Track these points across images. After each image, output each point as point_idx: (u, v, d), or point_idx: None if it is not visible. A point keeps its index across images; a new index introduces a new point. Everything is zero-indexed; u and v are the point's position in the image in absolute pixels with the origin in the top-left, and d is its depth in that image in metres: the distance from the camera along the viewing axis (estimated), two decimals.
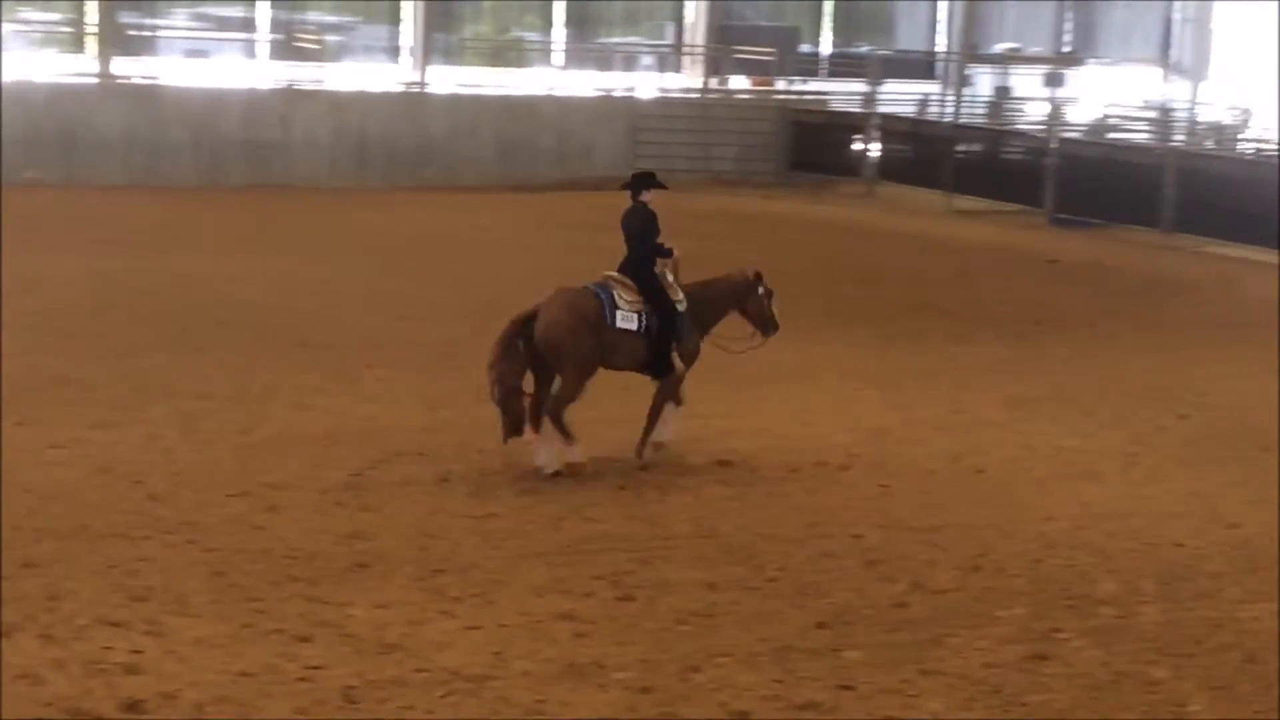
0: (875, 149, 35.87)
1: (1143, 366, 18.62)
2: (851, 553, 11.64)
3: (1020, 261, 26.87)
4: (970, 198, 32.46)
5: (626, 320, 13.54)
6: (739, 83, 41.72)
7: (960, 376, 17.64)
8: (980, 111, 43.22)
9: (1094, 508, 13.02)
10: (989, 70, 46.31)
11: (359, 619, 9.93)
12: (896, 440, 14.89)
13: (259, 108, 33.16)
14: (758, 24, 43.99)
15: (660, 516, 12.35)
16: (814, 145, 36.63)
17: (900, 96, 40.39)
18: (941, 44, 46.08)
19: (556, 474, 13.21)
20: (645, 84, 40.34)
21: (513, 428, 13.24)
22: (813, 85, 42.01)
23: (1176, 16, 48.63)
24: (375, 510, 12.19)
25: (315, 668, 9.18)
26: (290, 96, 33.82)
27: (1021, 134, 37.59)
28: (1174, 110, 44.44)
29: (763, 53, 40.80)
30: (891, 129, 36.40)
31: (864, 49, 44.53)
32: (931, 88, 43.95)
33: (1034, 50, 47.61)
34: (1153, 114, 43.35)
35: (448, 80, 37.21)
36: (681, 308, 13.76)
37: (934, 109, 42.13)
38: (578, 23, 41.41)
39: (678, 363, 13.75)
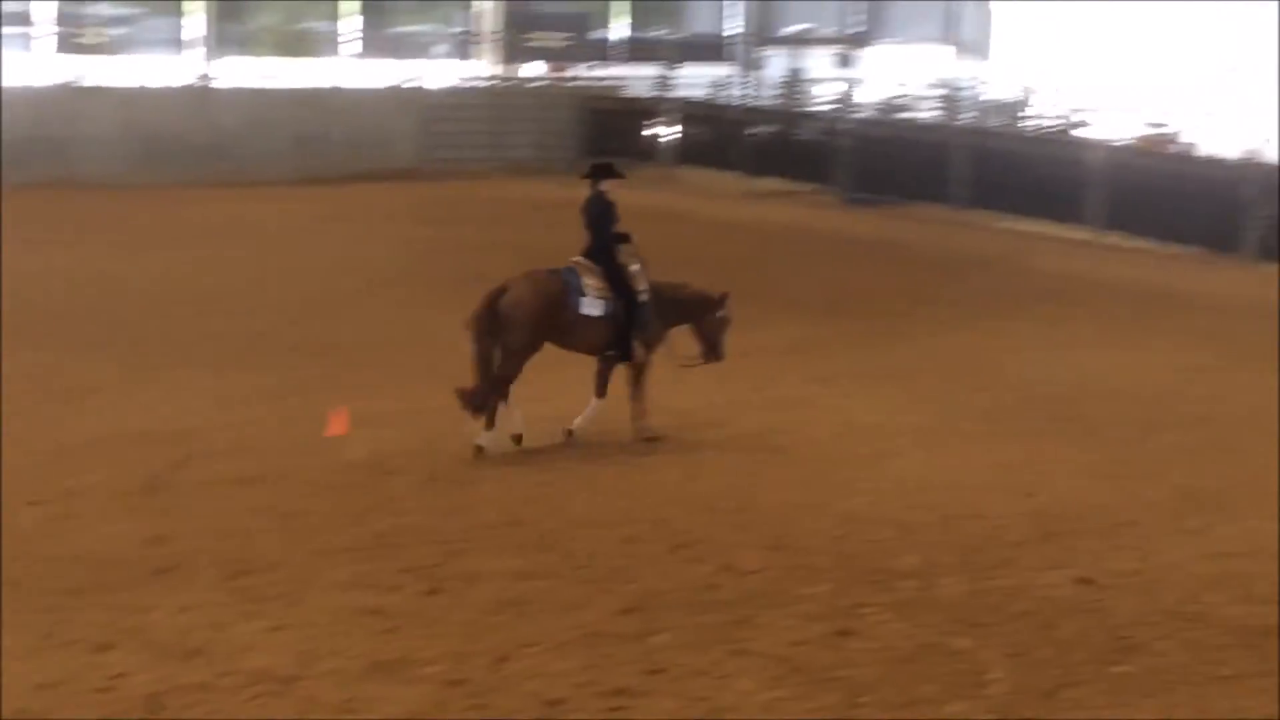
0: (672, 133, 36.04)
1: (941, 342, 18.92)
2: (659, 536, 11.68)
3: (818, 241, 27.18)
4: (767, 179, 32.78)
5: (592, 306, 13.88)
6: (533, 70, 41.70)
7: (763, 357, 17.78)
8: (774, 93, 43.64)
9: (895, 483, 13.21)
10: (781, 52, 46.75)
11: (161, 624, 9.76)
12: (702, 423, 14.97)
13: (42, 105, 32.41)
14: (550, 11, 43.97)
15: (468, 507, 12.30)
16: (611, 131, 36.70)
17: (695, 80, 40.66)
18: (734, 27, 46.40)
19: (480, 449, 13.55)
20: (439, 73, 40.14)
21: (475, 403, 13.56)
22: (608, 71, 42.12)
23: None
24: (175, 512, 11.99)
25: (117, 676, 9.00)
26: (75, 93, 33.10)
27: (814, 115, 38.02)
28: (961, 89, 45.21)
29: (556, 39, 40.78)
30: (687, 113, 36.62)
31: (657, 33, 44.73)
32: (725, 70, 44.28)
33: (824, 32, 48.16)
34: (940, 93, 44.08)
35: (238, 72, 36.69)
36: (644, 299, 14.04)
37: (728, 92, 42.45)
38: (369, 11, 41.06)
39: (639, 350, 14.07)
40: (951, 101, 42.81)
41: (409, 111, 35.51)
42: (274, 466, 13.19)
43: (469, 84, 39.30)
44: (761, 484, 13.11)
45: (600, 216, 14.23)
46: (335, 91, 36.23)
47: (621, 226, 14.33)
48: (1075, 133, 36.71)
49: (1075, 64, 46.27)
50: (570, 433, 14.17)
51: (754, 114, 37.36)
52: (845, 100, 40.06)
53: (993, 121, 39.88)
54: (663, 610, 10.21)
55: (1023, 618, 10.24)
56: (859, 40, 47.90)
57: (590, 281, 13.94)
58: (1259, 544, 11.80)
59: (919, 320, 20.32)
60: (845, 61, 45.16)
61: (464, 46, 42.74)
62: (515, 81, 40.37)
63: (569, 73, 40.82)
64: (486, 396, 13.62)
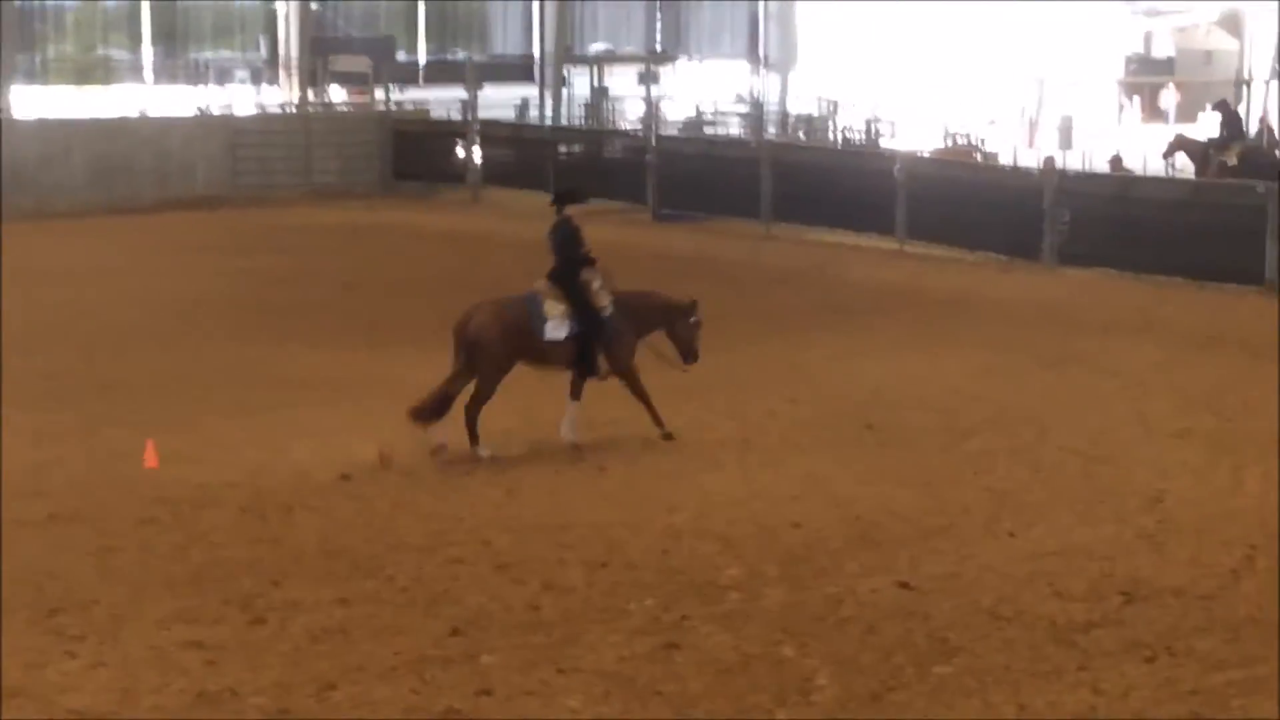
0: (478, 154, 35.98)
1: (753, 355, 19.09)
2: (481, 558, 11.66)
3: (628, 259, 27.21)
4: None
5: (556, 330, 14.70)
6: (337, 94, 41.42)
7: None
8: (580, 112, 43.80)
9: (715, 496, 13.32)
10: (585, 71, 46.95)
11: None
12: (520, 442, 14.97)
13: None
14: (351, 35, 43.74)
15: (286, 536, 12.18)
16: (417, 153, 36.59)
17: (500, 101, 40.65)
18: (537, 47, 46.50)
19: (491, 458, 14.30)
20: (241, 99, 39.74)
21: (422, 413, 14.40)
22: (412, 94, 42.00)
23: (762, 13, 50.05)
24: None
25: None
26: None
27: (621, 133, 38.21)
28: (765, 104, 45.74)
29: (359, 63, 40.58)
30: (493, 134, 36.58)
31: (460, 55, 44.68)
32: (530, 91, 44.35)
33: (628, 50, 48.46)
34: (745, 108, 44.56)
35: (32, 102, 35.99)
36: (606, 313, 14.81)
37: (534, 112, 42.52)
38: (166, 38, 40.52)
39: (602, 364, 14.87)
40: (756, 116, 43.28)
41: (214, 138, 35.07)
42: (86, 503, 12.95)
43: (273, 109, 38.94)
44: (583, 502, 13.15)
45: (565, 241, 15.06)
46: (138, 119, 35.67)
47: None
48: (880, 144, 37.34)
49: (879, 76, 47.06)
50: (576, 446, 14.75)
51: (561, 133, 37.44)
52: (651, 117, 40.29)
53: (798, 135, 40.39)
54: (489, 631, 10.20)
55: (846, 624, 10.39)
56: (663, 58, 48.26)
57: (552, 306, 14.70)
58: (1069, 543, 12.09)
59: (731, 333, 20.43)
60: (649, 79, 45.45)
61: (266, 72, 42.35)
62: (320, 106, 40.06)
63: (373, 96, 40.59)
64: (435, 411, 14.43)
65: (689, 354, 15.41)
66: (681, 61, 49.29)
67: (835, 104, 44.06)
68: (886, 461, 14.43)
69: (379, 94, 40.47)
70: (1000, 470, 14.14)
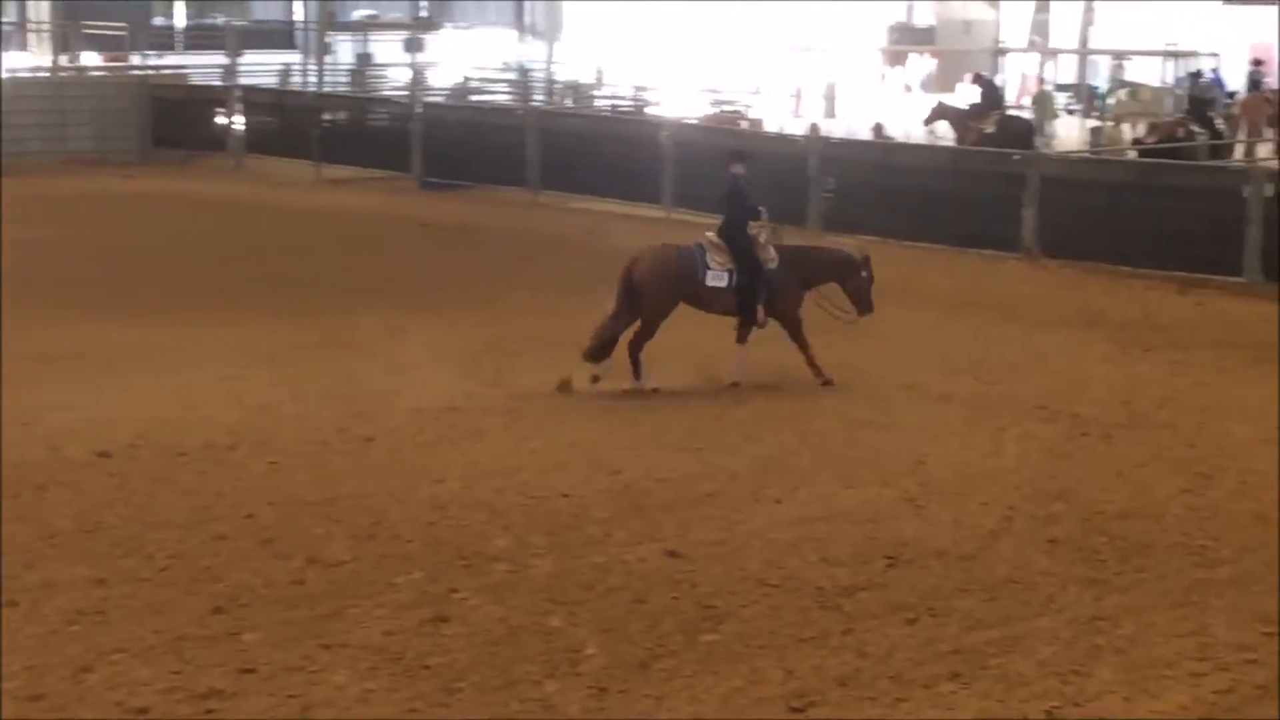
0: (240, 122, 35.30)
1: (520, 323, 19.00)
2: (244, 533, 11.43)
3: (395, 227, 27.02)
4: (340, 166, 32.40)
5: (716, 279, 15.87)
6: (91, 59, 40.35)
7: (346, 347, 17.60)
8: (344, 79, 43.23)
9: (482, 466, 13.21)
10: (349, 38, 46.34)
11: None
12: (284, 416, 14.72)
13: None
14: None
15: (40, 515, 11.80)
16: (176, 120, 35.74)
17: (262, 67, 39.96)
18: (299, 13, 45.78)
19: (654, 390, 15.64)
20: None
21: (594, 353, 15.73)
22: (170, 59, 41.08)
23: None
24: None
25: None
26: None
27: (386, 100, 37.80)
28: (532, 71, 45.57)
29: (114, 27, 39.56)
30: (255, 101, 35.89)
31: (220, 20, 43.82)
32: (292, 57, 43.66)
33: (392, 16, 47.95)
34: (512, 75, 44.36)
35: None
36: (771, 266, 15.91)
37: (297, 79, 41.85)
38: None
39: (760, 313, 15.93)
40: (523, 84, 43.11)
41: None
42: None
43: (24, 75, 37.80)
44: (348, 475, 12.95)
45: (733, 197, 16.18)
46: None
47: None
48: (646, 112, 37.42)
49: (645, 44, 47.18)
50: (736, 384, 15.86)
51: (324, 100, 36.90)
52: (416, 85, 39.92)
53: (565, 102, 40.31)
54: (252, 608, 10.00)
55: (614, 593, 10.37)
56: (427, 25, 47.84)
57: (716, 257, 15.86)
58: (834, 508, 12.22)
59: (499, 302, 20.38)
60: (414, 46, 45.02)
61: (16, 36, 41.11)
62: (73, 71, 38.99)
63: (128, 61, 39.62)
64: (601, 349, 15.77)
65: (863, 305, 16.32)
66: (447, 29, 48.91)
67: (602, 71, 44.07)
68: (655, 428, 14.45)
69: (135, 59, 39.51)
70: (768, 436, 14.24)
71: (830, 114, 43.12)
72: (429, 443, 13.96)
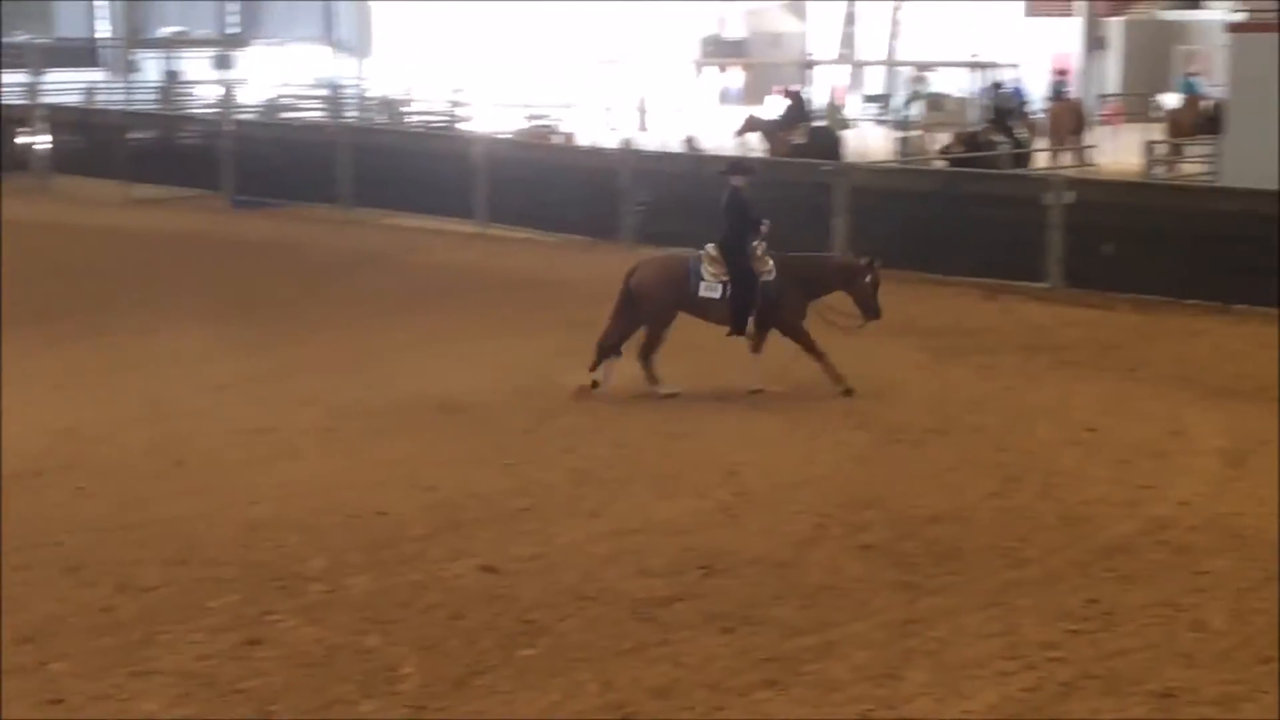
0: (44, 141, 34.62)
1: (334, 341, 18.85)
2: (50, 562, 11.19)
3: (205, 247, 26.68)
4: (149, 185, 31.90)
5: (710, 290, 16.08)
6: None
7: (156, 367, 17.34)
8: (151, 97, 42.60)
9: (297, 486, 13.09)
10: (156, 55, 45.67)
11: None
12: (91, 440, 14.46)
13: None
14: None
15: None
16: None
17: (66, 86, 39.25)
18: (104, 30, 45.03)
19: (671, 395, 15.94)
20: None
21: (596, 360, 16.08)
22: None
23: None
24: None
25: None
26: None
27: (195, 118, 37.30)
28: (343, 87, 45.25)
29: None
30: (59, 119, 35.22)
31: (22, 37, 42.95)
32: (98, 75, 42.94)
33: (200, 33, 47.34)
34: (323, 92, 44.02)
35: None
36: (769, 278, 15.97)
37: (103, 97, 41.16)
38: None
39: (749, 327, 16.05)
40: (334, 100, 42.81)
41: None
42: None
43: None
44: (158, 498, 12.75)
45: (733, 210, 16.19)
46: None
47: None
48: (459, 127, 37.34)
49: (457, 59, 47.08)
50: (756, 390, 16.04)
51: (131, 119, 36.31)
52: (226, 102, 39.45)
53: (377, 119, 40.09)
54: (59, 637, 9.80)
55: (431, 610, 10.32)
56: (236, 41, 47.31)
57: (710, 269, 16.02)
58: (650, 519, 12.27)
59: (311, 320, 20.20)
60: (223, 63, 44.49)
61: None
62: None
63: None
64: (602, 357, 16.14)
65: (869, 311, 16.22)
66: (257, 45, 48.40)
67: (414, 87, 43.89)
68: (470, 444, 14.41)
69: None
70: (583, 449, 14.26)
71: (643, 127, 43.35)
72: (243, 464, 13.79)
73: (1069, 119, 35.93)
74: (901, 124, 38.38)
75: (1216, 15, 37.44)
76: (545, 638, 9.87)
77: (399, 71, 45.79)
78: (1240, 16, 27.98)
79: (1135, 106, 45.78)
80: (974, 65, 39.38)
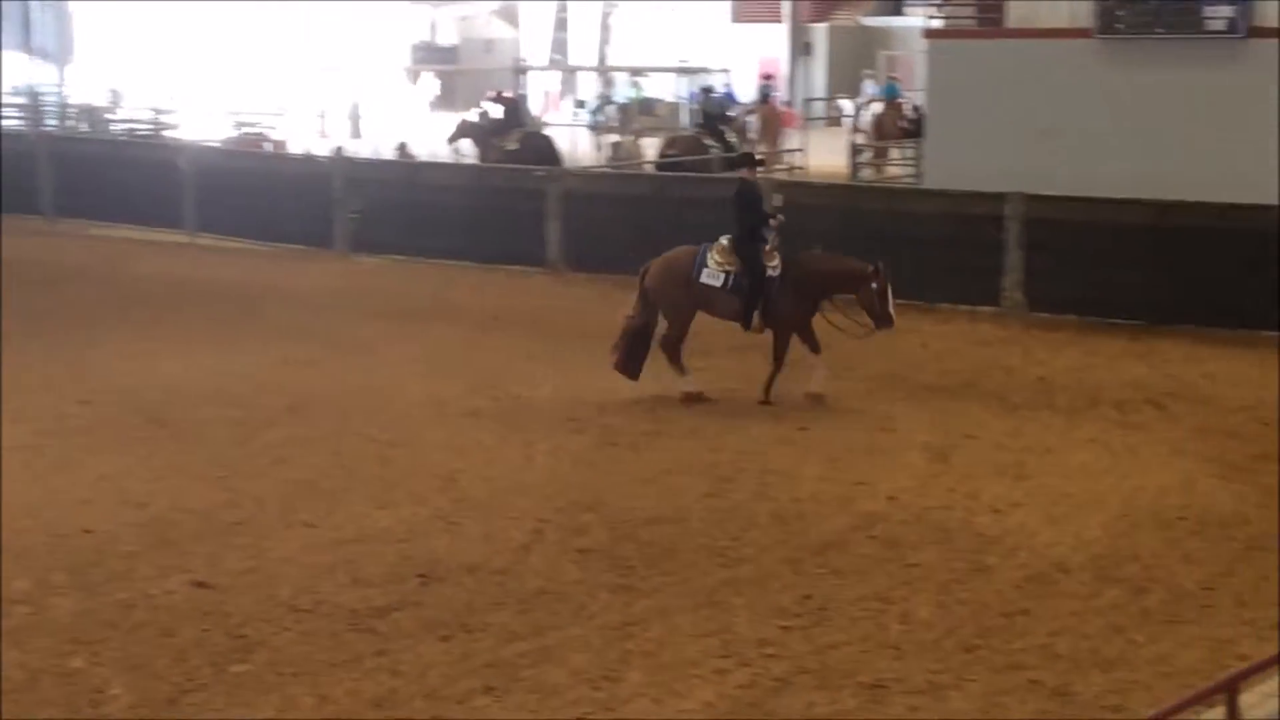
0: None
1: (41, 355, 18.29)
2: None
3: None
4: None
5: (711, 277, 15.95)
6: None
7: None
8: None
9: (3, 507, 12.65)
10: None
11: None
12: None
13: None
14: None
15: None
16: None
17: None
18: None
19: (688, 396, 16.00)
20: None
21: (622, 364, 16.22)
22: None
23: (35, 3, 48.19)
24: None
25: None
26: None
27: None
28: (43, 95, 43.99)
29: None
30: None
31: None
32: None
33: None
34: (22, 100, 42.72)
35: None
36: (773, 274, 15.80)
37: None
38: None
39: (755, 319, 15.92)
40: (33, 108, 41.58)
41: None
42: None
43: None
44: None
45: (742, 204, 16.14)
46: None
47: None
48: (166, 135, 36.56)
49: (163, 65, 46.14)
50: (819, 396, 15.90)
51: None
52: None
53: (79, 127, 39.06)
54: None
55: (139, 629, 10.09)
56: None
57: (716, 257, 15.95)
58: (367, 529, 12.17)
59: (17, 335, 19.56)
60: None
61: None
62: None
63: None
64: (629, 358, 16.27)
65: (879, 318, 15.90)
66: None
67: (118, 94, 42.86)
68: (182, 458, 14.12)
69: None
70: (298, 460, 14.09)
71: (356, 134, 42.98)
72: None
73: (774, 123, 36.55)
74: (595, 128, 38.68)
75: (916, 21, 38.36)
76: (259, 652, 9.72)
77: (103, 78, 44.64)
78: (937, 23, 28.71)
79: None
80: (684, 70, 39.82)
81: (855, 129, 38.97)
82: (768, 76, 40.01)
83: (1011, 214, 20.51)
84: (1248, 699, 6.73)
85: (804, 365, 16.24)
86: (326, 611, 10.40)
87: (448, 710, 9.00)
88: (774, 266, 16.06)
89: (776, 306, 16.09)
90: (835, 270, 16.29)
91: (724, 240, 16.20)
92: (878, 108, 38.36)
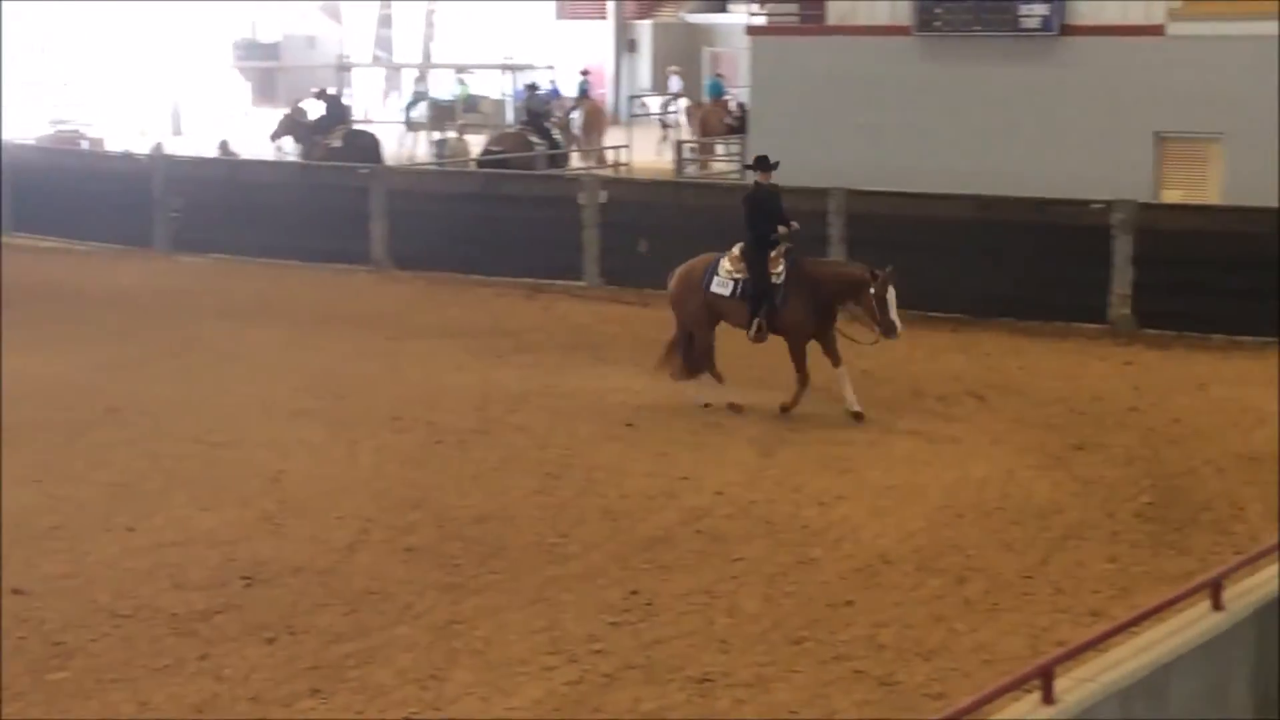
0: None
1: None
2: None
3: None
4: None
5: (720, 285, 15.58)
6: None
7: None
8: None
9: None
10: None
11: None
12: None
13: None
14: None
15: None
16: None
17: None
18: None
19: (707, 405, 15.64)
20: None
21: (681, 372, 15.90)
22: None
23: None
24: None
25: None
26: None
27: None
28: None
29: None
30: None
31: None
32: None
33: None
34: None
35: None
36: (777, 280, 15.30)
37: None
38: None
39: (755, 328, 15.44)
40: None
41: None
42: None
43: None
44: None
45: (751, 209, 15.52)
46: None
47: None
48: None
49: None
50: (858, 415, 15.19)
51: None
52: None
53: None
54: None
55: None
56: None
57: (726, 265, 15.56)
58: (191, 532, 12.00)
59: None
60: None
61: None
62: None
63: None
64: (687, 367, 15.89)
65: (882, 326, 15.21)
66: None
67: None
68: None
69: None
70: (119, 463, 13.85)
71: (176, 131, 42.35)
72: None
73: (597, 119, 36.58)
74: (410, 125, 38.51)
75: (740, 18, 38.58)
76: (78, 659, 9.55)
77: None
78: (759, 20, 28.94)
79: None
80: (508, 67, 39.74)
81: (663, 125, 39.15)
82: (585, 72, 39.95)
83: (834, 209, 20.72)
84: (1063, 684, 6.85)
85: (837, 382, 15.56)
86: (147, 616, 10.24)
87: (272, 714, 8.90)
88: (778, 273, 15.50)
89: (781, 314, 15.51)
90: (835, 275, 15.75)
91: (736, 248, 15.71)
92: (685, 103, 38.59)
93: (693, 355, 15.98)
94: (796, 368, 15.58)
